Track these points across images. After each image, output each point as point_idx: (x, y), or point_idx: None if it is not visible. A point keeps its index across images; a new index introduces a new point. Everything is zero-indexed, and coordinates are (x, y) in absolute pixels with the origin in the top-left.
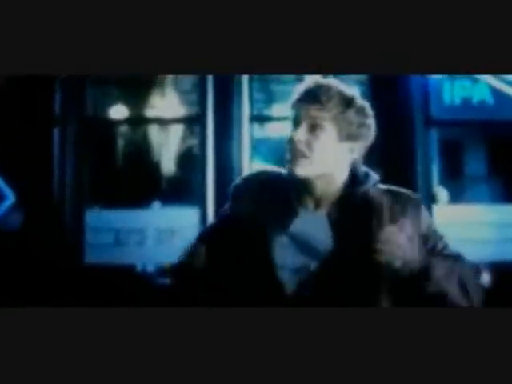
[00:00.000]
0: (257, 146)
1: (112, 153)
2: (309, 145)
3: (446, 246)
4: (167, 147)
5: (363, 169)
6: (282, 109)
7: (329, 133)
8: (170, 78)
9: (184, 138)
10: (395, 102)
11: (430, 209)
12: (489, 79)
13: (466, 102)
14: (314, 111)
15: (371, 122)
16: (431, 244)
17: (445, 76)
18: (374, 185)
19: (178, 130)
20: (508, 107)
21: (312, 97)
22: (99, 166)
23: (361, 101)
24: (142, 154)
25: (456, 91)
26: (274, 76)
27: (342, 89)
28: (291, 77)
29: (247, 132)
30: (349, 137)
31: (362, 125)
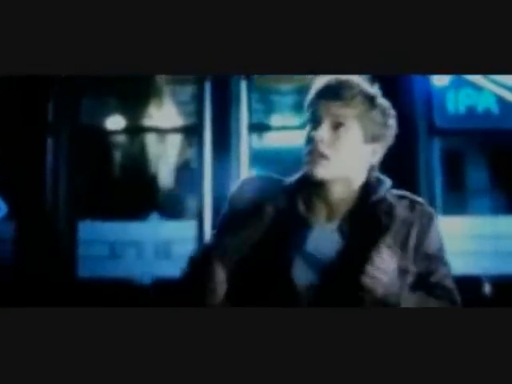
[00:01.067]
0: (256, 157)
1: (107, 163)
2: (331, 145)
3: (444, 277)
4: (164, 158)
5: (375, 173)
6: (281, 119)
7: (353, 132)
8: (167, 87)
9: (181, 150)
10: (397, 109)
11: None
12: (493, 88)
13: (471, 111)
14: (337, 108)
15: (393, 122)
16: (432, 268)
17: (448, 81)
18: (388, 191)
19: (175, 141)
20: None
21: (334, 93)
22: (94, 176)
23: (383, 100)
24: (138, 165)
25: (460, 99)
26: (272, 87)
27: (364, 86)
28: (290, 87)
29: (246, 143)
30: (373, 138)
31: (384, 125)
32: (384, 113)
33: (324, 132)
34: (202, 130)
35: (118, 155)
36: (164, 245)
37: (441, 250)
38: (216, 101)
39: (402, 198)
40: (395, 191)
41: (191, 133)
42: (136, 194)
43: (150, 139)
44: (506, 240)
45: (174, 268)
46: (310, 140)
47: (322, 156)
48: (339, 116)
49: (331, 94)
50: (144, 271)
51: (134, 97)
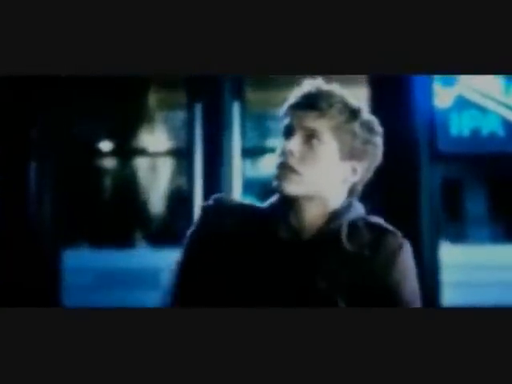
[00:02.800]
0: (248, 183)
1: (95, 188)
2: (303, 159)
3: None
4: (154, 184)
5: (355, 195)
6: (275, 144)
7: (328, 146)
8: (159, 111)
9: (172, 176)
10: (398, 131)
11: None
12: (499, 109)
13: (475, 134)
14: (311, 119)
15: (379, 140)
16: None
17: (451, 102)
18: (355, 218)
19: (165, 166)
20: None
21: (310, 102)
22: (81, 201)
23: (368, 115)
24: (127, 191)
25: (464, 122)
26: (267, 112)
27: (346, 98)
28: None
29: (238, 169)
30: (352, 154)
31: (367, 141)
32: (368, 128)
33: (295, 145)
34: (193, 155)
35: (106, 179)
36: (152, 273)
37: (401, 284)
38: (207, 125)
39: (371, 225)
40: (369, 218)
41: (182, 158)
42: (124, 220)
43: (140, 164)
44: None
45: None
46: (281, 153)
47: (292, 170)
48: (312, 128)
49: (306, 103)
50: (132, 299)
51: (124, 120)
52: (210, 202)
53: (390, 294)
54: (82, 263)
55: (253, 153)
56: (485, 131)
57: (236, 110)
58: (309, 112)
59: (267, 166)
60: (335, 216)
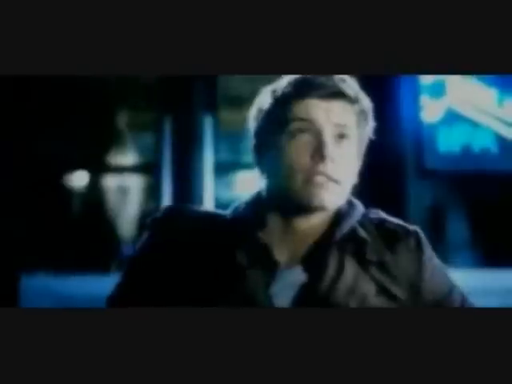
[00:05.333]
0: (220, 202)
1: (57, 208)
2: (338, 163)
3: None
4: (121, 204)
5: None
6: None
7: (353, 145)
8: (128, 127)
9: (140, 195)
10: (381, 146)
11: None
12: (492, 124)
13: (466, 150)
14: (340, 111)
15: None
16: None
17: (440, 116)
18: (361, 217)
19: (134, 189)
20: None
21: (333, 89)
22: (41, 222)
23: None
24: (91, 211)
25: (454, 137)
26: (241, 128)
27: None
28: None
29: (209, 188)
30: (360, 153)
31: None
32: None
33: (329, 147)
34: (162, 172)
35: (69, 198)
36: None
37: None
38: (178, 141)
39: (377, 226)
40: (371, 214)
41: (150, 176)
42: (88, 243)
43: (107, 182)
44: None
45: None
46: (310, 157)
47: (331, 179)
48: (343, 123)
49: (330, 91)
50: None
51: (89, 135)
52: (160, 213)
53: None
54: (40, 288)
55: (225, 170)
56: (476, 147)
57: (208, 125)
58: (337, 102)
59: (240, 183)
60: (339, 220)
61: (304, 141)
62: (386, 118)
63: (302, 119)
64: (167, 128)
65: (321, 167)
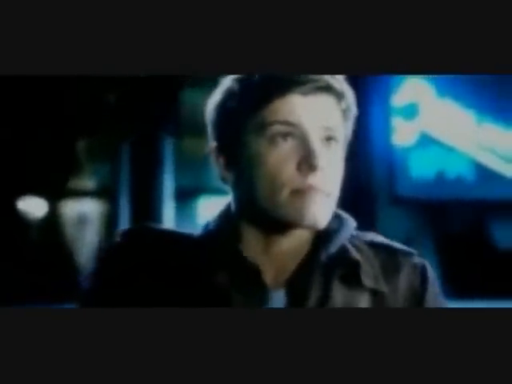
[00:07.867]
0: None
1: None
2: (328, 173)
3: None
4: (78, 231)
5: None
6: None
7: (340, 148)
8: (86, 152)
9: (98, 221)
10: (351, 172)
11: None
12: (468, 148)
13: (439, 177)
14: (327, 111)
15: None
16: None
17: (413, 141)
18: (351, 234)
19: (92, 215)
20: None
21: (318, 84)
22: None
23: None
24: (46, 239)
25: (427, 162)
26: (202, 151)
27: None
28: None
29: (170, 212)
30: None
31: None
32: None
33: (320, 155)
34: (120, 197)
35: (22, 225)
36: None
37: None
38: (137, 165)
39: (370, 245)
40: (363, 235)
41: (108, 201)
42: (43, 274)
43: (66, 211)
44: None
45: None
46: (297, 168)
47: (321, 192)
48: (332, 126)
49: (315, 86)
50: None
51: (43, 158)
52: (118, 237)
53: None
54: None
55: (186, 194)
56: (451, 174)
57: (168, 148)
58: (322, 99)
59: (202, 207)
60: (326, 238)
61: (287, 148)
62: (355, 141)
63: (283, 122)
64: (126, 153)
65: (310, 179)
